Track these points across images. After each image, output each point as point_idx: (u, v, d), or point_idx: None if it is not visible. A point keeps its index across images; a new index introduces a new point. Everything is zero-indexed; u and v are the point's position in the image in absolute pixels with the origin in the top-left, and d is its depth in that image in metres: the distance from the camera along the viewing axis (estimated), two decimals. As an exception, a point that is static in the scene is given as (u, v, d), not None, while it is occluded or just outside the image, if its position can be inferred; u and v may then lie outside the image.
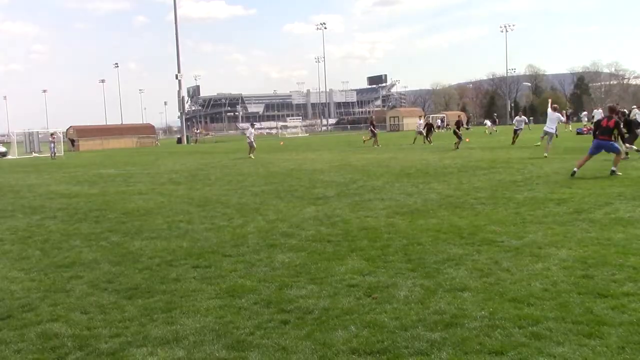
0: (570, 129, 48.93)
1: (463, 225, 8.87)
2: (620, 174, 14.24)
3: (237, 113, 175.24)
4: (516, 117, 35.53)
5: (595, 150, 14.96)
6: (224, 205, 12.33)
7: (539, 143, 27.47)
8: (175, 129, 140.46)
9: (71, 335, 4.96)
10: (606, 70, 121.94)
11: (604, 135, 14.91)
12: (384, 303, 5.41)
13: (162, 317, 5.32)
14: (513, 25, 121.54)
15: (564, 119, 28.52)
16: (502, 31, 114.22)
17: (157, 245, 8.52)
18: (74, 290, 6.38)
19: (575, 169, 14.69)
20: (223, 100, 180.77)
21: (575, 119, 68.57)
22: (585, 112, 61.99)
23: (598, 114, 41.61)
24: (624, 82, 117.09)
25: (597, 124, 15.63)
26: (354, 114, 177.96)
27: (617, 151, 14.77)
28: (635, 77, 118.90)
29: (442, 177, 16.03)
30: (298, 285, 6.11)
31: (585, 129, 42.27)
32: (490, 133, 54.86)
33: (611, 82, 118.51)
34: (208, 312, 5.38)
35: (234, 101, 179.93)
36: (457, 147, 29.31)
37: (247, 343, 4.62)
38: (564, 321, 4.75)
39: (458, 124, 31.50)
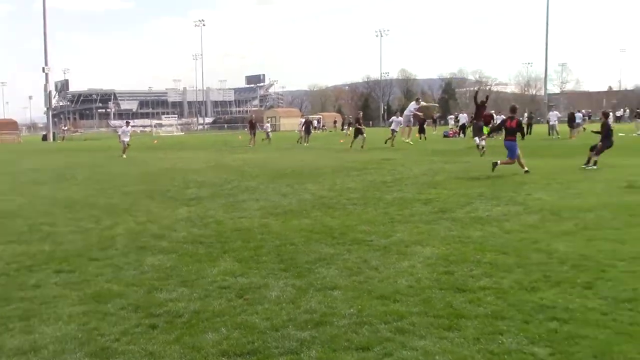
0: (436, 132, 51.48)
1: (335, 226, 9.07)
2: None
3: (109, 110, 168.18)
4: (393, 117, 36.66)
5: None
6: (91, 207, 11.81)
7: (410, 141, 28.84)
8: (41, 126, 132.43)
9: None
10: (471, 77, 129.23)
11: (511, 135, 16.07)
12: (256, 304, 5.43)
13: (19, 325, 5.02)
14: (388, 31, 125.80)
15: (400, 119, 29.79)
16: (377, 36, 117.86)
17: (15, 249, 8.01)
18: None
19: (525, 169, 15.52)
20: (94, 96, 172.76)
21: (442, 122, 72.04)
22: (452, 116, 65.34)
23: (463, 117, 44.19)
24: (487, 89, 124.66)
25: (501, 125, 16.57)
26: (231, 113, 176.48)
27: (513, 156, 15.71)
28: (497, 84, 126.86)
29: (317, 177, 16.29)
30: (168, 289, 5.99)
31: (451, 132, 44.61)
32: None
33: (475, 88, 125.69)
34: (70, 319, 5.14)
35: (106, 97, 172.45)
36: (391, 143, 29.45)
37: (112, 350, 4.47)
38: (427, 315, 5.00)
39: (358, 120, 31.68)
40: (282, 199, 12.16)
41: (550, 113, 41.70)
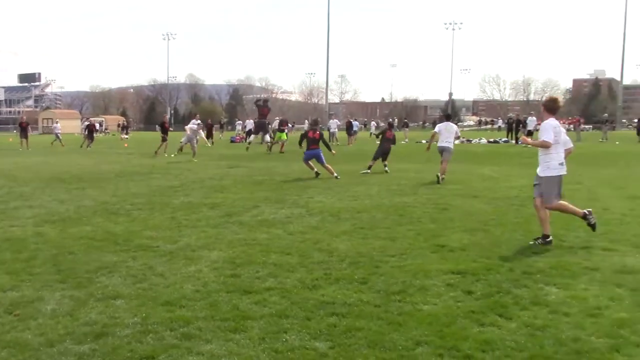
0: (222, 137, 51.82)
1: (119, 232, 8.70)
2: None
3: None
4: (193, 121, 34.85)
5: (310, 158, 16.73)
6: None
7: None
8: None
9: None
10: (258, 84, 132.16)
11: (315, 144, 16.68)
12: (28, 319, 5.01)
13: None
14: (175, 34, 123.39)
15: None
16: (164, 39, 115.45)
17: None
18: None
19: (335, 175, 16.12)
20: None
21: (230, 127, 72.75)
22: (239, 122, 66.18)
23: (250, 123, 44.93)
24: (272, 96, 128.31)
25: (304, 136, 17.11)
26: (1, 114, 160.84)
27: (322, 162, 16.52)
28: (283, 92, 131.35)
29: (99, 182, 15.49)
30: None
31: (238, 137, 45.15)
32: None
33: (262, 95, 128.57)
34: None
35: None
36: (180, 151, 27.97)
37: None
38: (213, 319, 5.00)
39: (163, 125, 29.62)
40: (59, 206, 11.36)
41: (331, 121, 44.18)
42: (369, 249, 7.52)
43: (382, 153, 18.61)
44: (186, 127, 26.58)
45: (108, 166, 21.31)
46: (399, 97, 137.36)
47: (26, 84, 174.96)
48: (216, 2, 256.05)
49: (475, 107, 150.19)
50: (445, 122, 17.00)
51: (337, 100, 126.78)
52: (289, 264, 6.80)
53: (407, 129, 47.26)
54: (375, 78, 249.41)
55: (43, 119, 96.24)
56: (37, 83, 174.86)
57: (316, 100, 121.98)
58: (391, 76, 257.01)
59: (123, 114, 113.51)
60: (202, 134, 27.40)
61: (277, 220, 9.69)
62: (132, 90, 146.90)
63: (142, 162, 23.54)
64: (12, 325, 4.88)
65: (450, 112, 41.02)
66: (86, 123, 38.97)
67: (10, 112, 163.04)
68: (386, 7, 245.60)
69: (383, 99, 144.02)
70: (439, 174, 15.01)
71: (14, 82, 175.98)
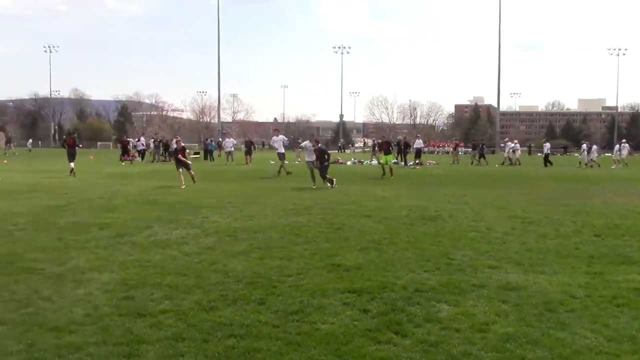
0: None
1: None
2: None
3: None
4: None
5: None
6: None
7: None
8: None
9: None
10: (147, 101, 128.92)
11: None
12: None
13: None
14: (57, 47, 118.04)
15: None
16: (45, 51, 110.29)
17: None
18: None
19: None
20: None
21: (119, 145, 70.40)
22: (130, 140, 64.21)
23: (143, 141, 43.84)
24: (163, 114, 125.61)
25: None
26: None
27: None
28: (173, 110, 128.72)
29: (-24, 201, 14.51)
30: None
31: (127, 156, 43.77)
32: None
33: (152, 113, 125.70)
34: None
35: None
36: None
37: None
38: (105, 344, 4.82)
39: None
40: None
41: (227, 140, 43.83)
42: (265, 268, 7.52)
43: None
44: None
45: (-14, 184, 20.00)
46: (291, 117, 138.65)
47: None
48: (101, 14, 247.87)
49: (366, 129, 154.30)
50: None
51: (229, 119, 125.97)
52: (185, 285, 6.67)
53: (299, 149, 47.79)
54: (267, 98, 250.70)
55: None
56: None
57: (208, 119, 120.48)
58: (283, 96, 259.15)
59: (2, 129, 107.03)
60: None
61: (172, 240, 9.48)
62: (11, 104, 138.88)
63: (24, 179, 22.30)
64: None
65: (341, 133, 41.83)
66: None
67: None
68: (278, 29, 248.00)
69: (275, 119, 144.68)
70: None
71: None
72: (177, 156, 20.85)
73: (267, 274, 7.25)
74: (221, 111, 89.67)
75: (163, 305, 5.93)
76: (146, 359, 4.54)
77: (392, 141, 29.13)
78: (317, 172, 20.11)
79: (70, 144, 25.99)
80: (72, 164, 24.73)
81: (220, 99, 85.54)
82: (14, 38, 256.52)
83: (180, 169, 20.23)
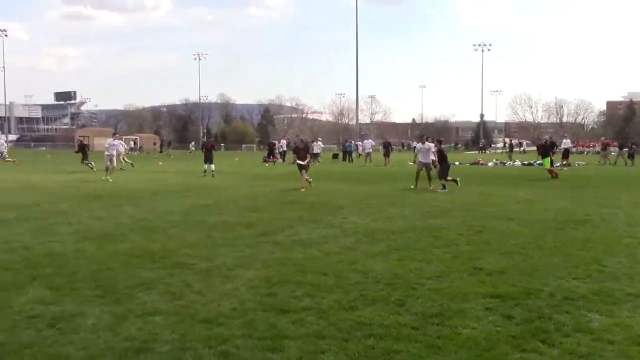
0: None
1: (155, 249, 8.80)
2: None
3: None
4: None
5: None
6: None
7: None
8: None
9: None
10: (288, 104, 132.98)
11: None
12: (70, 333, 5.09)
13: None
14: (206, 54, 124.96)
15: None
16: (195, 58, 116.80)
17: None
18: None
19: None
20: None
21: (262, 147, 73.35)
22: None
23: (284, 143, 45.40)
24: (303, 116, 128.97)
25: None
26: (38, 131, 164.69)
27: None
28: (313, 113, 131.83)
29: (135, 200, 15.73)
30: (-33, 321, 5.41)
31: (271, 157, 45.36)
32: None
33: (293, 115, 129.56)
34: None
35: None
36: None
37: None
38: (250, 338, 5.02)
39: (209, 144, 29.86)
40: (97, 222, 11.55)
41: (366, 141, 44.13)
42: (404, 270, 7.47)
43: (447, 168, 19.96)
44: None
45: (144, 184, 21.61)
46: (429, 118, 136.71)
47: (62, 102, 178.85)
48: (245, 22, 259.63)
49: (507, 128, 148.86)
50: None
51: (367, 121, 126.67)
52: (326, 284, 6.79)
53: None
54: (405, 99, 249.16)
55: (80, 136, 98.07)
56: (72, 101, 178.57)
57: (347, 121, 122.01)
58: (421, 97, 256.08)
59: (156, 133, 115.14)
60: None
61: (313, 240, 9.70)
62: (165, 109, 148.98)
63: (177, 180, 23.82)
64: (54, 339, 4.96)
65: (481, 133, 40.49)
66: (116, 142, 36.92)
67: (47, 129, 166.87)
68: (415, 29, 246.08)
69: (414, 119, 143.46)
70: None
71: (51, 100, 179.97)
72: (298, 157, 20.69)
73: (406, 275, 7.21)
74: (359, 113, 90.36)
75: (304, 302, 6.07)
76: (289, 354, 4.66)
77: (548, 143, 27.37)
78: (426, 173, 20.08)
79: (208, 147, 27.74)
80: (206, 166, 26.47)
81: (359, 101, 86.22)
82: (167, 48, 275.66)
83: (303, 171, 19.95)
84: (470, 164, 39.64)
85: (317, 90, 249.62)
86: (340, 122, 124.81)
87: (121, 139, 36.45)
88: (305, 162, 20.07)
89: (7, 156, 32.59)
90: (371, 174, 29.02)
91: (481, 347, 4.80)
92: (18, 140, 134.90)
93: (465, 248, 8.98)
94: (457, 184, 19.22)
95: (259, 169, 33.04)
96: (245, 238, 9.88)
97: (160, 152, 69.16)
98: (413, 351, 4.72)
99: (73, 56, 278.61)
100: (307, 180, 19.40)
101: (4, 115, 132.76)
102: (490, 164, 40.50)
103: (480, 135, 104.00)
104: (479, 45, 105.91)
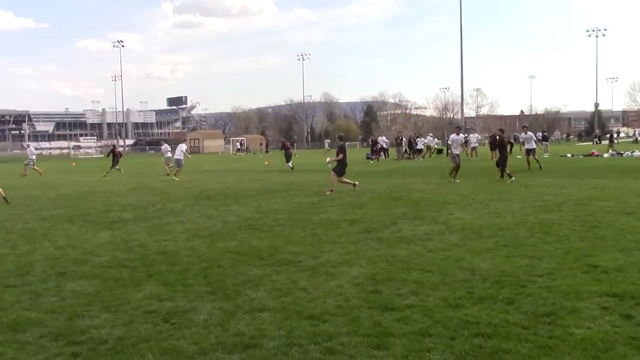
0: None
1: (262, 247, 9.03)
2: None
3: (23, 131, 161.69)
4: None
5: None
6: (7, 232, 11.28)
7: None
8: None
9: None
10: (391, 100, 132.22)
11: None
12: (183, 328, 5.31)
13: None
14: (309, 54, 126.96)
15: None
16: (299, 59, 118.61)
17: None
18: None
19: None
20: (7, 117, 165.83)
21: (366, 144, 73.32)
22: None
23: (382, 140, 45.22)
24: (407, 112, 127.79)
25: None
26: (152, 135, 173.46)
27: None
28: (416, 108, 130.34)
29: (242, 199, 16.20)
30: (90, 315, 5.77)
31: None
32: None
33: (396, 112, 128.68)
34: (-15, 350, 4.86)
35: (20, 118, 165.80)
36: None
37: (32, 381, 4.26)
38: (356, 335, 5.03)
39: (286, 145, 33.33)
40: (207, 221, 12.00)
41: (471, 135, 43.11)
42: (513, 267, 7.23)
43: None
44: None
45: (250, 183, 22.23)
46: (539, 109, 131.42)
47: (174, 107, 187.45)
48: (347, 21, 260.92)
49: (625, 117, 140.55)
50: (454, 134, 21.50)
51: (473, 114, 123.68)
52: (431, 281, 6.69)
53: (546, 142, 45.02)
54: (512, 90, 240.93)
55: (191, 139, 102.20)
56: (183, 106, 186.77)
57: (451, 115, 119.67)
58: (530, 87, 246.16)
59: (262, 133, 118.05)
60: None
61: (417, 237, 9.59)
62: (270, 110, 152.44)
63: (281, 179, 24.31)
64: (169, 333, 5.19)
65: (596, 123, 38.53)
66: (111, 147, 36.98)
67: (161, 133, 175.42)
68: (521, 16, 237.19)
69: (522, 111, 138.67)
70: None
71: (164, 105, 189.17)
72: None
73: (515, 272, 6.97)
74: (464, 106, 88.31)
75: (409, 300, 6.01)
76: (394, 352, 4.63)
77: None
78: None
79: (286, 147, 32.76)
80: (289, 164, 30.16)
81: (463, 94, 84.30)
82: (272, 51, 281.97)
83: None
84: (584, 156, 37.79)
85: (420, 85, 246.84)
86: (444, 116, 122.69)
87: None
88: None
89: (33, 165, 32.94)
90: (477, 168, 28.29)
91: (597, 348, 4.55)
92: (134, 144, 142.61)
93: (578, 244, 8.56)
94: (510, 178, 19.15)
95: (362, 166, 33.07)
96: (350, 235, 9.92)
97: (266, 152, 70.78)
98: (523, 351, 4.55)
99: (184, 62, 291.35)
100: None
101: (122, 121, 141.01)
102: (606, 155, 38.42)
103: (595, 125, 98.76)
104: (593, 30, 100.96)
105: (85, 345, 4.93)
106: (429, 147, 46.94)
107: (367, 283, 6.73)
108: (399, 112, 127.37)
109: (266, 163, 40.60)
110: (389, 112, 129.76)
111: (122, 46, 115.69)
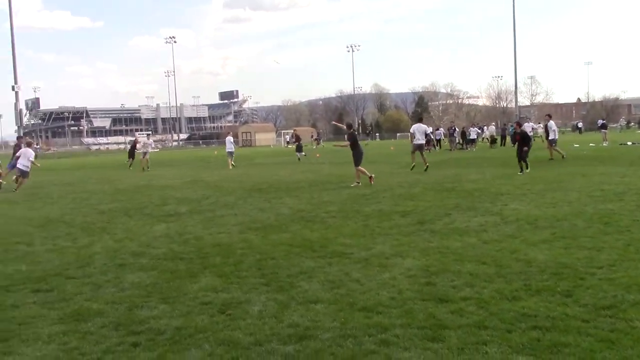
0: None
1: (314, 239, 9.06)
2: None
3: (81, 127, 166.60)
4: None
5: None
6: (67, 225, 11.65)
7: None
8: (12, 144, 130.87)
9: None
10: (443, 90, 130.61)
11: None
12: (238, 319, 5.38)
13: (-2, 347, 4.91)
14: (359, 46, 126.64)
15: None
16: (348, 51, 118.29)
17: (-9, 269, 7.85)
18: None
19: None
20: (66, 114, 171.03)
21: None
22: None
23: (439, 133, 44.78)
24: (459, 102, 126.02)
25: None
26: (205, 129, 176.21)
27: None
28: (468, 97, 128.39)
29: (294, 192, 16.30)
30: (149, 306, 5.91)
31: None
32: None
33: (448, 102, 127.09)
34: (50, 339, 5.04)
35: (78, 115, 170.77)
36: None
37: (95, 369, 4.39)
38: (410, 327, 5.00)
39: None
40: (260, 214, 12.12)
41: (526, 124, 42.20)
42: (572, 259, 7.05)
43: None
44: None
45: (302, 176, 22.33)
46: (597, 96, 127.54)
47: (226, 101, 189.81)
48: (397, 11, 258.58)
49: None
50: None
51: (527, 103, 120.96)
52: (486, 273, 6.59)
53: (605, 130, 43.64)
54: (568, 77, 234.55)
55: (242, 132, 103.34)
56: (235, 100, 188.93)
57: (504, 104, 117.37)
58: (587, 74, 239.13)
59: (313, 126, 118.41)
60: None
61: (471, 228, 9.46)
62: (321, 102, 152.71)
63: (332, 171, 24.33)
64: (225, 324, 5.27)
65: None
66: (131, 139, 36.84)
67: (213, 127, 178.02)
68: (575, 1, 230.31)
69: (579, 99, 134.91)
70: None
71: (216, 99, 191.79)
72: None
73: (574, 264, 6.79)
74: (518, 95, 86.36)
75: (464, 292, 5.94)
76: (449, 344, 4.58)
77: None
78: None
79: (298, 138, 37.58)
80: (300, 154, 34.03)
81: (517, 83, 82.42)
82: (321, 43, 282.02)
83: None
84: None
85: (472, 74, 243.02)
86: (497, 105, 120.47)
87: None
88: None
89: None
90: (532, 158, 27.66)
91: (662, 342, 4.40)
92: (188, 138, 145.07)
93: (640, 235, 8.29)
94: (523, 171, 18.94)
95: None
96: (402, 227, 9.86)
97: (318, 144, 70.92)
98: (583, 345, 4.44)
99: (234, 57, 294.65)
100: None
101: (175, 116, 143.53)
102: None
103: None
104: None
105: (145, 335, 5.05)
106: (493, 137, 46.24)
107: (420, 275, 6.68)
108: (451, 102, 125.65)
109: (318, 156, 40.70)
110: (440, 102, 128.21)
111: (174, 42, 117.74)
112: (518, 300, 5.59)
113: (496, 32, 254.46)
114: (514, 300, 5.58)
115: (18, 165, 20.47)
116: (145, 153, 31.53)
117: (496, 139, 46.77)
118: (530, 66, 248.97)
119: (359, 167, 17.56)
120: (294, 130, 43.39)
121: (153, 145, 35.16)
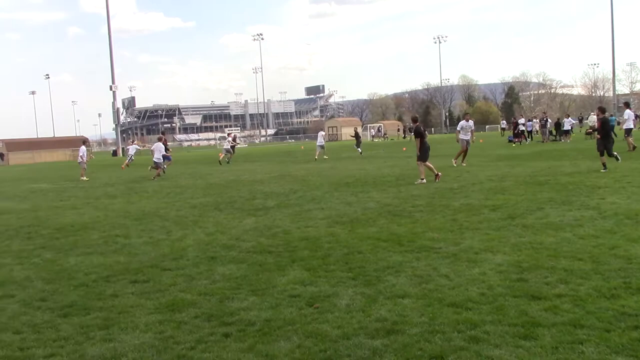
0: (504, 136, 50.36)
1: (402, 233, 8.99)
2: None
3: (174, 124, 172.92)
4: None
5: None
6: (162, 219, 12.12)
7: None
8: (111, 141, 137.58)
9: (2, 357, 4.76)
10: (535, 80, 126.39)
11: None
12: (326, 312, 5.42)
13: (100, 334, 5.17)
14: (446, 37, 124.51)
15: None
16: (435, 42, 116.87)
17: (93, 261, 8.28)
18: (5, 309, 6.13)
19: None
20: (159, 112, 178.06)
21: (507, 127, 70.48)
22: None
23: (529, 124, 43.33)
24: (552, 92, 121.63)
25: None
26: (292, 124, 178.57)
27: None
28: (562, 87, 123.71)
29: (381, 186, 16.23)
30: (239, 298, 6.06)
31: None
32: None
33: (540, 92, 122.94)
34: (147, 328, 5.26)
35: (171, 112, 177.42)
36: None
37: (188, 358, 4.54)
38: (501, 324, 4.87)
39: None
40: (347, 208, 12.15)
41: (625, 112, 40.06)
42: (676, 256, 6.65)
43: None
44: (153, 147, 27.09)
45: (389, 170, 22.21)
46: None
47: (312, 96, 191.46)
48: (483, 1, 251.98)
49: None
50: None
51: (626, 91, 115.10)
52: (582, 270, 6.33)
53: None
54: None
55: (328, 127, 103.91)
56: (321, 94, 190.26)
57: (601, 93, 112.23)
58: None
59: (399, 119, 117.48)
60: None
61: (565, 223, 9.10)
62: (407, 95, 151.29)
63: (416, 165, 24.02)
64: (312, 317, 5.33)
65: None
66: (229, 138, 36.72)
67: (300, 122, 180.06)
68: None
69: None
70: None
71: (302, 95, 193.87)
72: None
73: (679, 261, 6.41)
74: (617, 83, 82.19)
75: (558, 289, 5.73)
76: (542, 343, 4.43)
77: None
78: None
79: (357, 135, 36.55)
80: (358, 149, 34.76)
81: (615, 70, 78.43)
82: (407, 35, 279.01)
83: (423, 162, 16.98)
84: None
85: (566, 62, 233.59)
86: (593, 94, 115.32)
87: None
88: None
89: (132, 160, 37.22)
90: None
91: None
92: (275, 134, 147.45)
93: None
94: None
95: (504, 150, 31.92)
96: (492, 221, 9.62)
97: (404, 137, 70.35)
98: (690, 347, 4.18)
99: (320, 52, 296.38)
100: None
101: (263, 112, 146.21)
102: None
103: None
104: None
105: (235, 326, 5.18)
106: (594, 127, 44.21)
107: (511, 271, 6.49)
108: (543, 92, 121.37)
109: (404, 149, 40.37)
110: (531, 92, 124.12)
111: (262, 39, 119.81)
112: (617, 298, 5.33)
113: (591, 17, 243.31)
114: (612, 299, 5.33)
115: (154, 158, 24.77)
116: (232, 148, 34.81)
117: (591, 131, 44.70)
118: (630, 52, 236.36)
119: (426, 163, 16.89)
120: (381, 124, 44.38)
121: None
